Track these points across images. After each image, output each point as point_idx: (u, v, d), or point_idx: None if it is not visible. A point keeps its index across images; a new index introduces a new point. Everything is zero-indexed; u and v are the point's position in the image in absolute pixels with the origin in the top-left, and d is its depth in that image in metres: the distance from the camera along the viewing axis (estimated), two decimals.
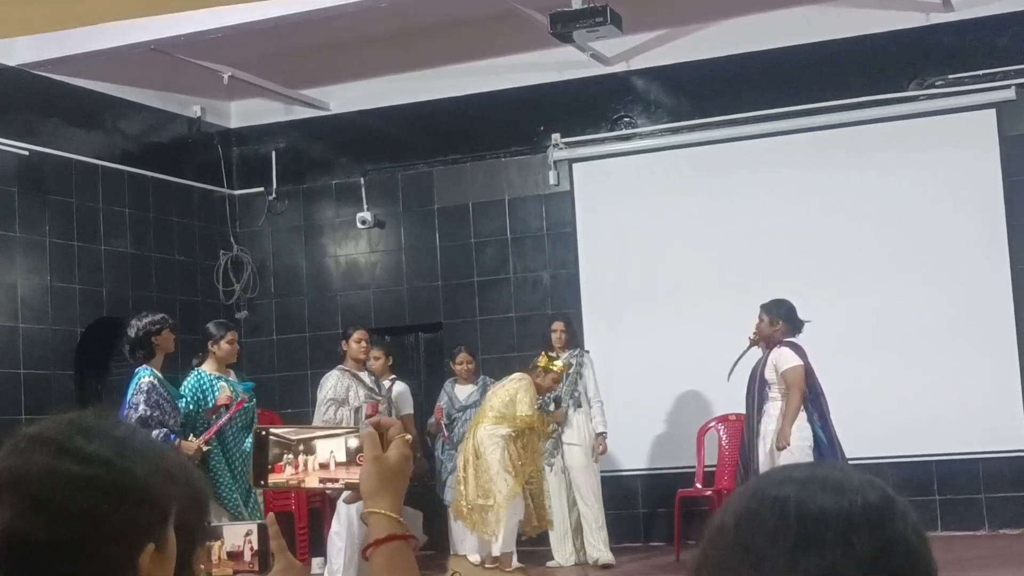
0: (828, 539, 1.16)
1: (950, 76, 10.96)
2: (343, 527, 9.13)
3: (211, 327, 8.40)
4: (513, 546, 9.23)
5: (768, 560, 1.16)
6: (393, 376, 10.36)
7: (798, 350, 8.71)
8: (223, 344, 8.25)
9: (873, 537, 1.16)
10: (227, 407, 7.91)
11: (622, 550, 10.41)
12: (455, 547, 10.01)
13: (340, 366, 9.87)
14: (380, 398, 9.97)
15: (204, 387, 8.04)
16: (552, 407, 9.84)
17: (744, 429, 8.95)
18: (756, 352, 9.12)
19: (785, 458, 8.36)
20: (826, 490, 1.19)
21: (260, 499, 8.30)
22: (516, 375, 9.63)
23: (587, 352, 10.39)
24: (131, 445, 1.49)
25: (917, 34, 10.97)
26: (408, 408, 10.29)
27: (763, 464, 8.51)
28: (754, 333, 9.09)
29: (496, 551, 9.02)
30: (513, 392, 9.45)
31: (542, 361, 9.59)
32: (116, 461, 1.46)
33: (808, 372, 8.67)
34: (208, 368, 8.17)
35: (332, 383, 9.68)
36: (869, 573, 1.15)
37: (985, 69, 10.84)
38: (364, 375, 9.93)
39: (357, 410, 9.60)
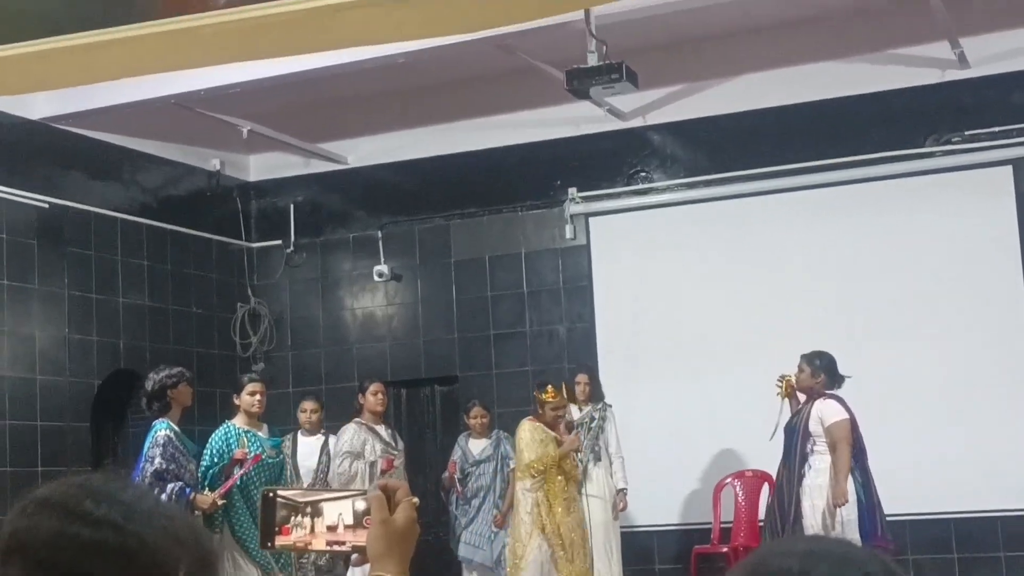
0: None
1: (966, 132, 10.98)
2: None
3: (240, 380, 8.46)
4: None
5: None
6: (323, 431, 10.25)
7: (842, 403, 8.60)
8: (243, 396, 8.28)
9: None
10: (242, 462, 7.91)
11: None
12: None
13: (357, 419, 9.87)
14: (396, 452, 9.97)
15: (230, 440, 8.07)
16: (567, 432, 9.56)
17: (783, 483, 8.73)
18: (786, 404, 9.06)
19: (842, 513, 8.29)
20: (828, 562, 1.20)
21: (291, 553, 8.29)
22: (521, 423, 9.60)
23: (610, 406, 10.32)
24: (139, 509, 1.50)
25: (933, 91, 11.00)
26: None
27: (809, 519, 8.38)
28: (779, 383, 9.00)
29: None
30: (518, 441, 9.44)
31: (538, 397, 9.53)
32: (124, 525, 1.46)
33: (853, 426, 8.56)
34: (238, 421, 8.19)
35: (349, 436, 9.68)
36: None
37: (1001, 126, 10.85)
38: (381, 429, 9.94)
39: (372, 464, 9.60)
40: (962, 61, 10.62)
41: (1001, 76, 10.81)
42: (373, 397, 9.97)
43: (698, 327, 11.37)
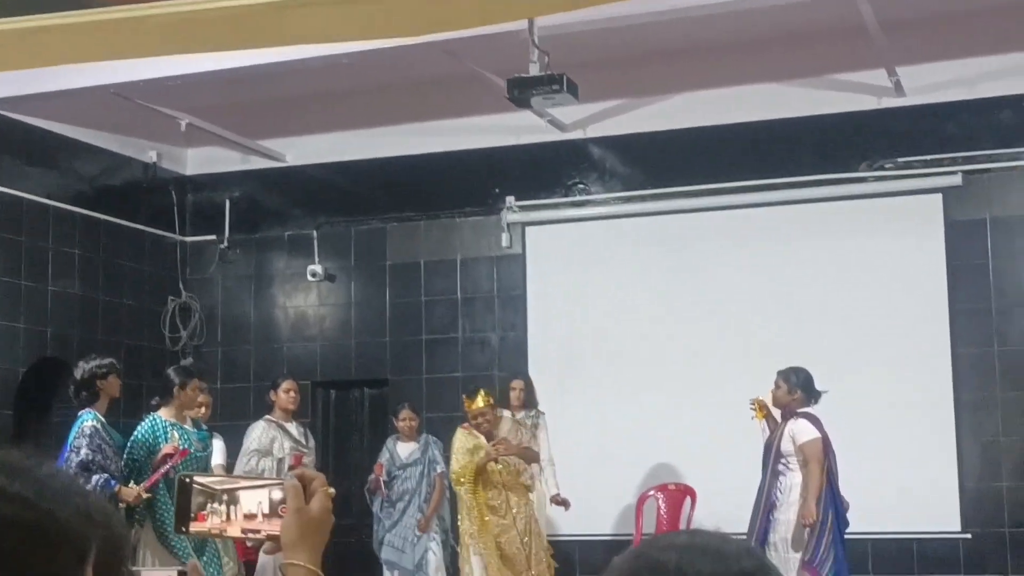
0: None
1: (899, 159, 11.15)
2: None
3: (175, 373, 8.34)
4: None
5: None
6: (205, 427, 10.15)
7: (815, 422, 8.59)
8: (188, 392, 8.22)
9: None
10: (171, 456, 7.86)
11: None
12: None
13: (267, 416, 9.85)
14: (306, 450, 9.95)
15: (157, 433, 7.99)
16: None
17: (758, 501, 8.72)
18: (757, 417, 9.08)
19: (805, 533, 8.31)
20: (705, 556, 1.25)
21: (219, 547, 8.20)
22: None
23: (543, 413, 10.33)
24: (52, 486, 1.50)
25: (869, 117, 11.16)
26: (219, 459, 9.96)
27: (784, 536, 8.39)
28: (752, 406, 8.99)
29: None
30: (452, 449, 9.42)
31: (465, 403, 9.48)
32: (36, 501, 1.46)
33: (826, 445, 8.55)
34: (165, 414, 8.12)
35: (257, 434, 9.65)
36: None
37: (933, 154, 11.04)
38: (291, 426, 9.91)
39: (280, 461, 9.56)
40: (898, 89, 10.79)
41: (935, 105, 10.99)
42: (285, 394, 9.95)
43: (629, 340, 11.44)
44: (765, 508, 8.53)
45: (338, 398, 12.76)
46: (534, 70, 8.70)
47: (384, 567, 10.21)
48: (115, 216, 11.99)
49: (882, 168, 11.20)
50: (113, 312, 11.92)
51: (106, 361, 7.93)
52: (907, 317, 10.85)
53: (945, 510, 10.61)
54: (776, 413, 8.99)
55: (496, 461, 9.20)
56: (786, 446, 8.57)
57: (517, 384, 10.25)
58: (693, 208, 11.57)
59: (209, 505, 1.93)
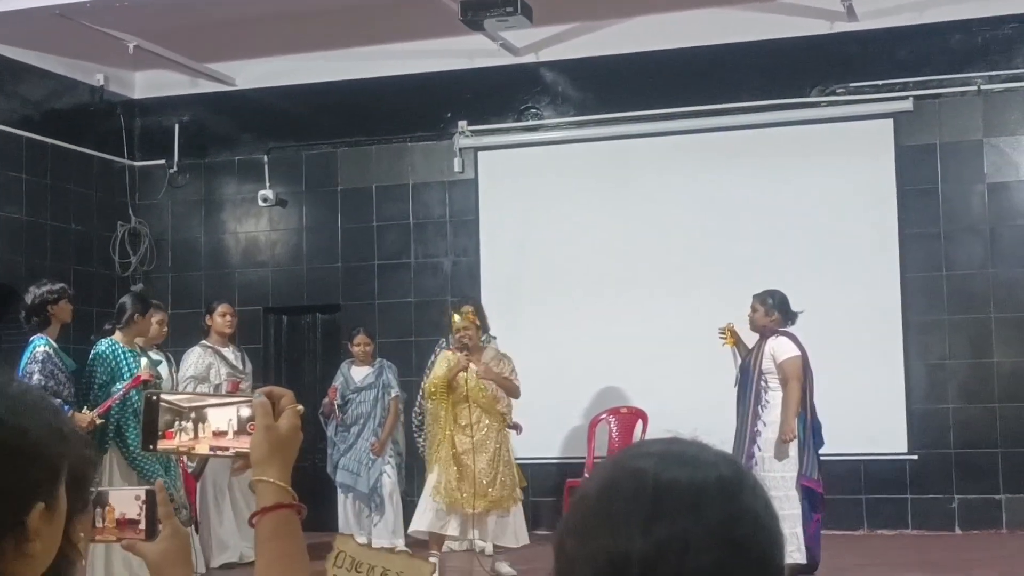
0: (680, 508, 1.24)
1: (851, 85, 11.19)
2: None
3: (133, 300, 8.31)
4: (425, 525, 9.03)
5: (624, 526, 1.24)
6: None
7: (795, 340, 8.64)
8: (146, 321, 8.22)
9: (723, 507, 1.24)
10: (148, 383, 7.83)
11: None
12: (346, 529, 9.99)
13: (203, 342, 9.79)
14: (243, 375, 9.92)
15: (118, 357, 7.97)
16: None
17: (739, 424, 8.65)
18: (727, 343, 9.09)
19: (791, 450, 8.39)
20: (682, 463, 1.27)
21: (178, 470, 8.24)
22: None
23: (494, 338, 10.33)
24: (24, 402, 1.49)
25: (821, 42, 11.18)
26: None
27: (766, 451, 8.43)
28: (721, 334, 9.03)
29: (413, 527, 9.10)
30: None
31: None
32: (8, 418, 1.45)
33: (804, 363, 8.59)
34: (120, 339, 8.09)
35: (193, 359, 9.60)
36: (717, 540, 1.23)
37: (885, 79, 11.08)
38: (228, 351, 9.87)
39: (217, 387, 9.53)
40: (850, 14, 10.80)
41: (887, 30, 11.02)
42: (221, 318, 9.88)
43: (581, 264, 11.48)
44: (751, 427, 8.57)
45: (290, 324, 12.74)
46: None
47: (339, 490, 10.25)
48: (62, 140, 11.84)
49: (834, 93, 11.24)
50: (61, 237, 11.80)
51: (57, 287, 7.87)
52: (857, 241, 10.95)
53: (892, 432, 10.79)
54: (750, 339, 8.99)
55: (465, 370, 9.12)
56: (767, 364, 8.60)
57: (467, 310, 10.21)
58: (645, 132, 11.57)
59: (177, 423, 1.92)
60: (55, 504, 1.49)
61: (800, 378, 8.47)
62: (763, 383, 8.60)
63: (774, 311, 8.70)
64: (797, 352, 8.54)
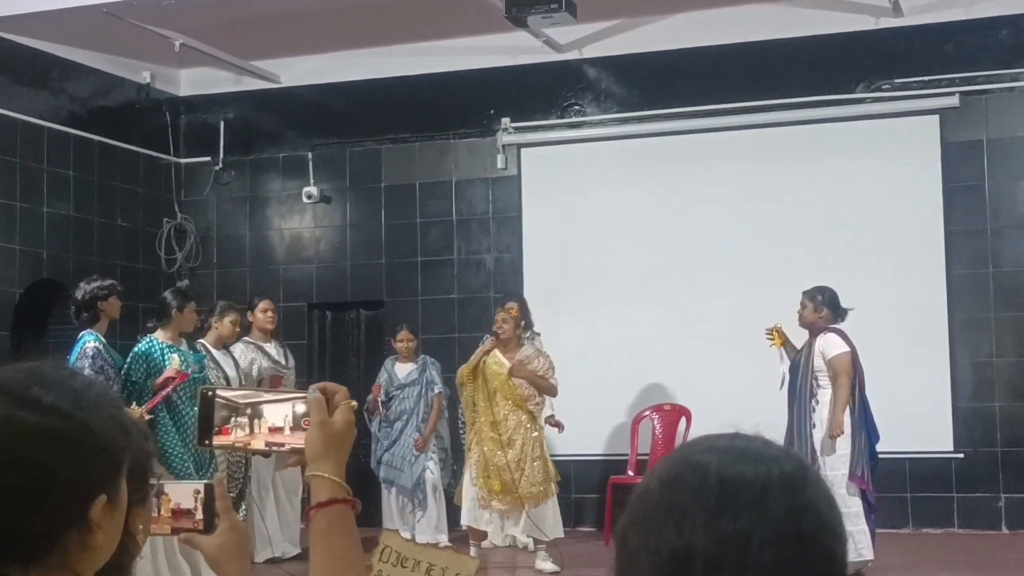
0: (744, 503, 1.24)
1: (896, 81, 11.11)
2: None
3: (172, 296, 8.36)
4: (464, 518, 9.18)
5: (688, 521, 1.24)
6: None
7: (844, 336, 8.59)
8: (187, 314, 8.27)
9: (787, 502, 1.25)
10: (173, 379, 7.89)
11: None
12: (390, 524, 10.04)
13: (245, 338, 9.85)
14: (286, 370, 9.97)
15: (155, 354, 8.02)
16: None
17: (793, 423, 8.60)
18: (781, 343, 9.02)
19: (840, 447, 8.35)
20: (746, 458, 1.28)
21: (215, 467, 8.27)
22: None
23: (538, 334, 10.34)
24: (87, 396, 1.51)
25: (867, 37, 11.11)
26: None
27: (821, 451, 8.39)
28: (768, 335, 8.96)
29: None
30: None
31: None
32: (72, 412, 1.48)
33: (854, 359, 8.55)
34: (161, 336, 8.15)
35: (236, 356, 9.66)
36: (781, 535, 1.24)
37: (931, 75, 11.00)
38: (270, 347, 9.94)
39: (260, 383, 9.59)
40: (896, 9, 10.73)
41: (933, 26, 10.94)
42: (262, 314, 9.95)
43: (624, 261, 11.47)
44: (803, 426, 8.49)
45: (334, 320, 12.79)
46: None
47: (382, 485, 10.30)
48: (109, 137, 11.94)
49: (879, 89, 11.17)
50: (108, 234, 11.91)
51: (107, 283, 7.93)
52: (903, 238, 10.87)
53: (938, 430, 10.71)
54: (798, 339, 8.91)
55: (488, 353, 9.19)
56: (818, 362, 8.53)
57: (512, 306, 10.22)
58: (689, 129, 11.54)
59: (233, 419, 1.95)
60: (117, 497, 1.52)
61: (849, 374, 8.41)
62: (814, 381, 8.54)
63: (823, 308, 8.64)
64: (846, 348, 8.48)
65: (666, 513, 1.26)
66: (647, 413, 10.99)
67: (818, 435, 8.46)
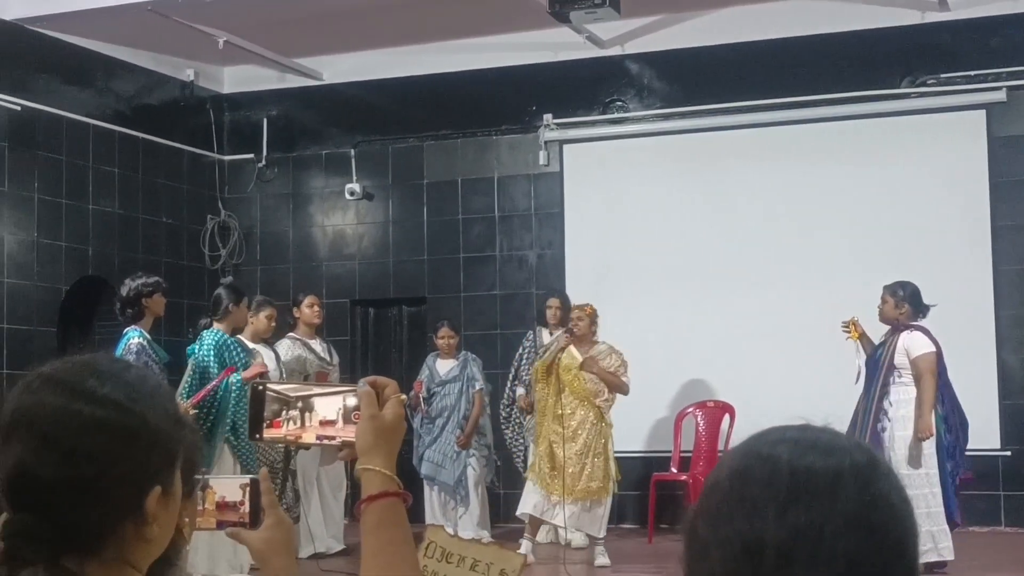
0: (816, 494, 1.24)
1: (942, 75, 11.02)
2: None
3: (225, 292, 8.49)
4: (530, 508, 9.09)
5: (760, 511, 1.25)
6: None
7: (929, 335, 8.46)
8: (241, 309, 8.39)
9: (858, 494, 1.25)
10: (263, 374, 7.98)
11: None
12: (433, 521, 10.06)
13: (291, 334, 9.89)
14: (331, 367, 10.00)
15: (228, 346, 8.15)
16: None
17: (857, 415, 8.45)
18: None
19: (927, 447, 8.28)
20: (816, 449, 1.28)
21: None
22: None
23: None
24: (142, 389, 1.52)
25: (912, 32, 11.02)
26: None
27: (899, 450, 8.26)
28: (845, 328, 8.83)
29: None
30: None
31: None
32: (127, 404, 1.49)
33: (939, 358, 8.42)
34: (223, 327, 8.29)
35: (282, 351, 9.70)
36: (853, 527, 1.24)
37: (977, 70, 10.90)
38: (315, 343, 9.98)
39: (306, 378, 9.62)
40: (942, 3, 10.64)
41: (980, 20, 10.84)
42: (309, 309, 9.98)
43: (667, 257, 11.43)
44: (874, 421, 8.38)
45: (377, 316, 12.82)
46: None
47: (424, 482, 10.31)
48: (153, 135, 12.02)
49: (925, 84, 11.08)
50: (153, 230, 11.99)
51: (152, 280, 7.99)
52: (949, 234, 10.78)
53: (985, 427, 10.58)
54: (876, 332, 8.78)
55: (563, 350, 9.19)
56: (900, 359, 8.39)
57: (553, 303, 10.23)
58: (732, 125, 11.48)
59: (284, 412, 1.95)
60: (172, 489, 1.52)
61: (935, 373, 8.27)
62: (893, 377, 8.41)
63: (904, 303, 8.50)
64: (932, 348, 8.34)
65: (737, 504, 1.26)
66: (690, 410, 10.95)
67: (895, 433, 8.32)
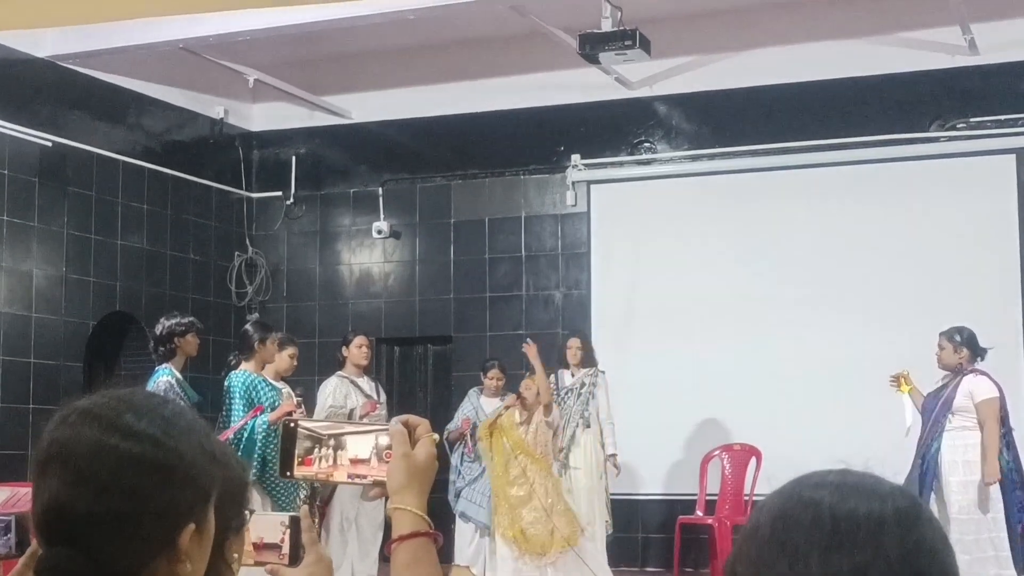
0: (860, 539, 1.23)
1: (972, 119, 11.00)
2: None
3: (253, 329, 8.52)
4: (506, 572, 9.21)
5: (802, 557, 1.23)
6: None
7: (993, 380, 8.48)
8: (269, 346, 8.39)
9: (902, 539, 1.24)
10: (290, 413, 7.98)
11: (619, 574, 10.39)
12: (462, 560, 10.01)
13: (339, 372, 9.90)
14: (379, 405, 10.00)
15: (257, 387, 8.15)
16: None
17: (913, 466, 8.49)
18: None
19: (994, 491, 8.24)
20: (859, 494, 1.27)
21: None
22: None
23: (602, 372, 10.29)
24: (178, 424, 1.52)
25: (941, 75, 11.01)
26: None
27: (956, 495, 8.26)
28: (893, 382, 8.81)
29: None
30: None
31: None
32: (163, 440, 1.48)
33: (1002, 403, 8.45)
34: (249, 369, 8.28)
35: (331, 389, 9.71)
36: (896, 572, 1.23)
37: (1007, 114, 10.87)
38: (363, 381, 9.97)
39: (350, 415, 9.62)
40: (972, 47, 10.62)
41: (1010, 64, 10.82)
42: (358, 350, 9.96)
43: (693, 299, 11.39)
44: (928, 464, 8.36)
45: (402, 355, 12.82)
46: (606, 25, 8.64)
47: (458, 519, 10.22)
48: (183, 171, 12.09)
49: (954, 128, 11.06)
50: (181, 267, 12.03)
51: (186, 320, 8.01)
52: (978, 279, 10.72)
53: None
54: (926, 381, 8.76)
55: (507, 410, 9.34)
56: (963, 402, 8.39)
57: (574, 343, 10.24)
58: (760, 167, 11.48)
59: (316, 450, 1.94)
60: (205, 526, 1.52)
61: (998, 418, 8.31)
62: (948, 418, 8.38)
63: (963, 348, 8.51)
64: (996, 393, 8.37)
65: (779, 550, 1.24)
66: (716, 452, 10.89)
67: (953, 480, 8.29)
